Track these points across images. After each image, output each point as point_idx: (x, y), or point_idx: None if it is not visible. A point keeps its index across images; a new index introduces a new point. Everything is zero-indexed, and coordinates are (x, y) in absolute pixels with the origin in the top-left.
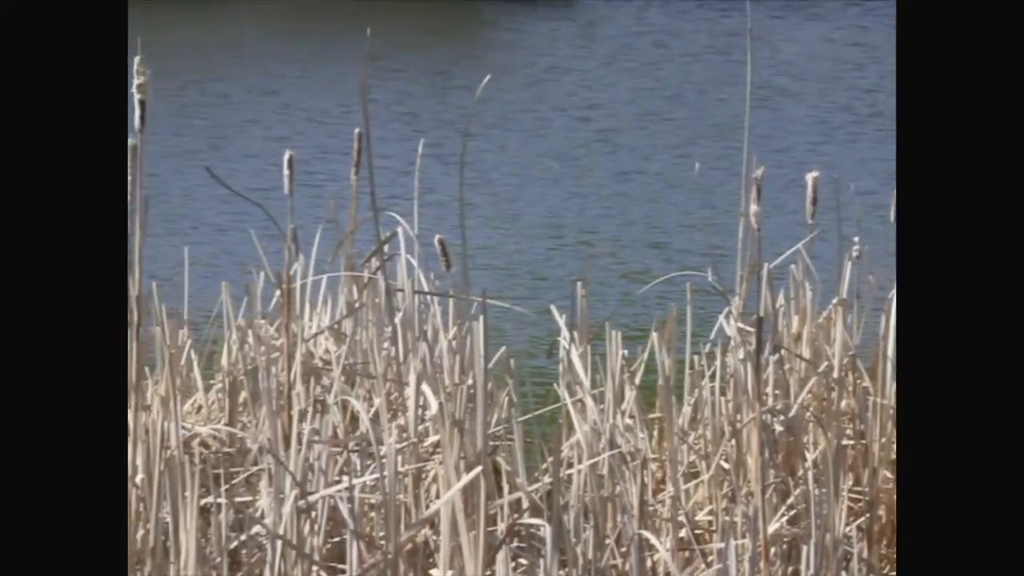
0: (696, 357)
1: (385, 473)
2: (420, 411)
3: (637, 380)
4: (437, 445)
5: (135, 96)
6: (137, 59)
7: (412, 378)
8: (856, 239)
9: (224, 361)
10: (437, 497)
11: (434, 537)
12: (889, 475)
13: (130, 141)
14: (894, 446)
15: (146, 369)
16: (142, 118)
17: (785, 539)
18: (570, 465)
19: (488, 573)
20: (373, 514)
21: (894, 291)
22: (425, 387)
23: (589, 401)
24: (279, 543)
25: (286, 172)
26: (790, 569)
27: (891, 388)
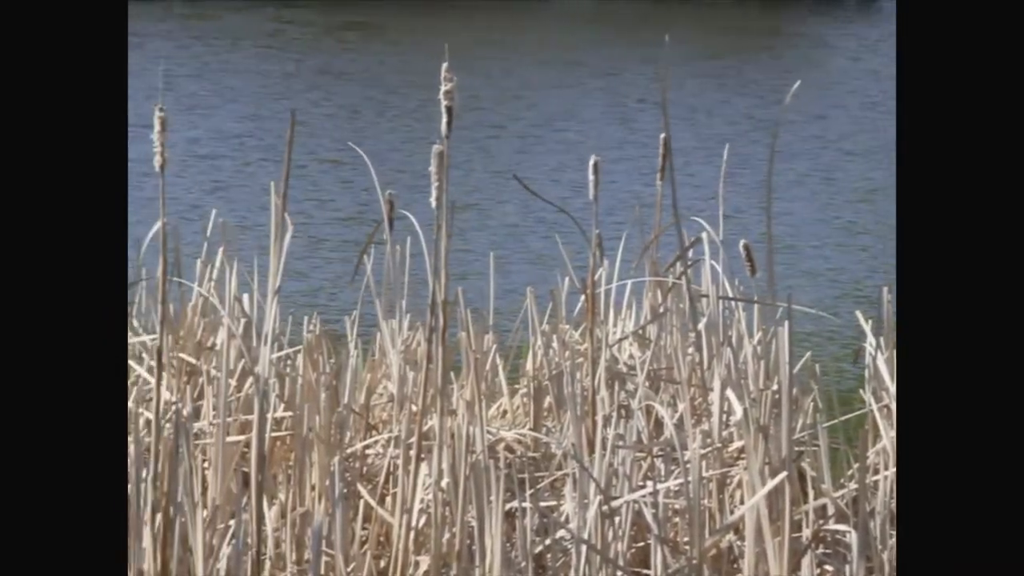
0: None
1: (690, 478)
2: (724, 416)
3: None
4: (742, 450)
5: (442, 102)
6: (444, 65)
7: (716, 383)
8: None
9: (529, 366)
10: (742, 502)
11: (739, 543)
12: None
13: (436, 147)
14: None
15: (451, 374)
16: (448, 124)
17: None
18: (876, 471)
19: None
20: (677, 519)
21: None
22: (730, 392)
23: (895, 407)
24: (583, 548)
25: (591, 177)
26: None
27: None
